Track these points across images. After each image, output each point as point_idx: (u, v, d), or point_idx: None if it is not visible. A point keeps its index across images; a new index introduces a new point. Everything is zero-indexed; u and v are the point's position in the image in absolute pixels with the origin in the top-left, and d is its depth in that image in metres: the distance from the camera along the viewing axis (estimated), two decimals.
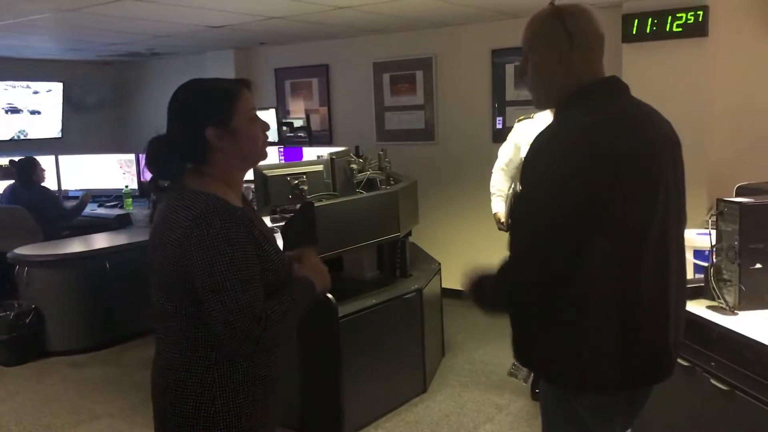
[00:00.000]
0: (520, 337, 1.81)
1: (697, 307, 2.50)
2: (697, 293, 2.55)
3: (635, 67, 4.56)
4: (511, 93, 5.53)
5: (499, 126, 5.65)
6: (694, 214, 2.01)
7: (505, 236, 1.78)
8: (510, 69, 5.56)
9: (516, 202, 1.78)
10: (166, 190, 1.75)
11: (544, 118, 3.52)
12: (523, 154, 3.61)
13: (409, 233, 4.38)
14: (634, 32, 4.68)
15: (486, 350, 4.80)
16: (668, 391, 1.91)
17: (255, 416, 1.74)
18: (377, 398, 3.81)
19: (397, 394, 3.98)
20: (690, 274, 2.61)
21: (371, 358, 3.73)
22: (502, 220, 3.98)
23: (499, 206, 4.03)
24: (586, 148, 1.61)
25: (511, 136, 3.97)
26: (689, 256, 2.73)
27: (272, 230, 3.91)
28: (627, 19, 4.70)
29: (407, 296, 3.98)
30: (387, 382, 3.88)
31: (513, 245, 1.71)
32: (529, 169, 1.76)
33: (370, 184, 4.30)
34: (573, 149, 1.62)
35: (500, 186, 4.03)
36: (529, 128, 3.66)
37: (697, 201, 2.72)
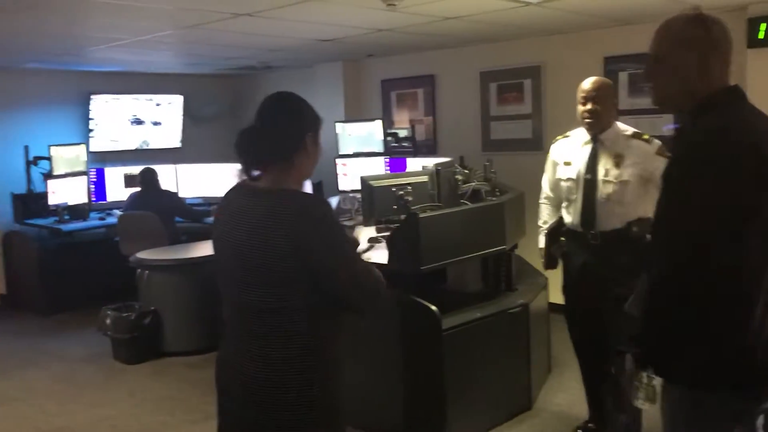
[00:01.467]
0: (668, 346, 1.74)
1: None
2: None
3: (761, 73, 4.29)
4: (624, 101, 5.32)
5: None
6: None
7: None
8: (624, 77, 5.36)
9: (661, 211, 1.77)
10: (263, 196, 1.86)
11: (579, 136, 3.46)
12: (561, 172, 3.49)
13: (515, 246, 4.30)
14: (760, 36, 4.41)
15: None
16: None
17: (342, 398, 1.96)
18: (481, 413, 3.76)
19: (502, 410, 3.90)
20: None
21: (475, 371, 3.68)
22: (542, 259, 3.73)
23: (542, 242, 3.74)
24: (737, 152, 1.64)
25: (549, 159, 3.67)
26: None
27: (376, 239, 3.96)
28: (753, 23, 4.43)
29: (512, 311, 3.91)
30: (491, 397, 3.82)
31: (664, 253, 1.73)
32: (676, 174, 1.75)
33: (475, 196, 4.25)
34: (723, 154, 1.65)
35: (545, 218, 3.71)
36: (565, 147, 3.53)
37: None
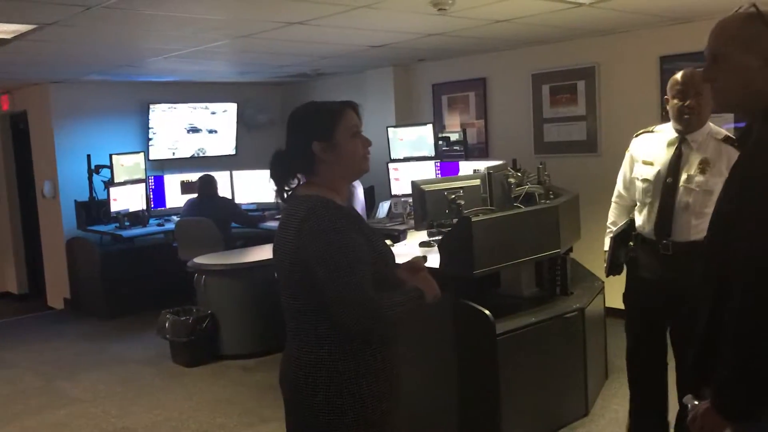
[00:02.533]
0: (752, 377, 1.57)
1: None
2: None
3: None
4: None
5: None
6: None
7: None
8: None
9: (746, 225, 1.57)
10: (287, 200, 1.99)
11: (665, 133, 3.14)
12: (639, 171, 3.17)
13: (570, 249, 4.24)
14: None
15: None
16: None
17: (380, 407, 1.90)
18: (536, 418, 3.72)
19: (557, 416, 3.85)
20: None
21: (530, 377, 3.64)
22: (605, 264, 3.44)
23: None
24: None
25: (627, 154, 3.36)
26: None
27: (428, 244, 3.96)
28: None
29: (568, 315, 3.85)
30: (547, 403, 3.77)
31: (750, 280, 1.54)
32: (760, 189, 1.58)
33: (528, 199, 4.20)
34: None
35: (613, 219, 3.44)
36: (648, 143, 3.20)
37: None
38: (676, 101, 3.01)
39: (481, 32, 5.20)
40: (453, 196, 4.06)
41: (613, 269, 3.36)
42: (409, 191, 4.63)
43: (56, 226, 7.29)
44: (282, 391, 2.00)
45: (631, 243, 3.27)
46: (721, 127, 3.15)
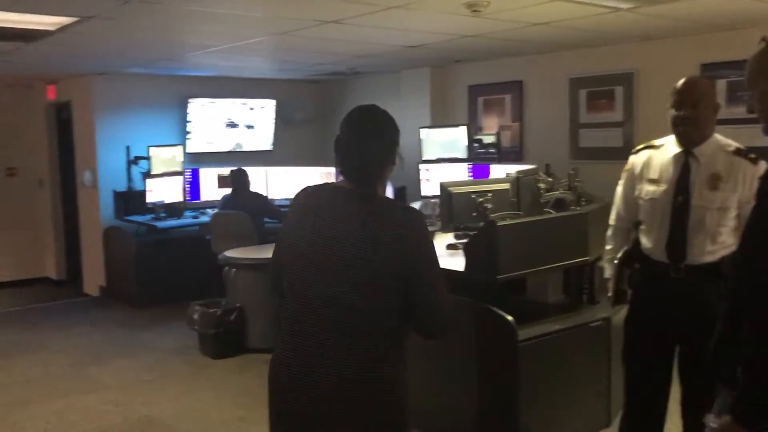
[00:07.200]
0: None
1: None
2: None
3: None
4: (722, 111, 5.06)
5: None
6: None
7: None
8: (722, 85, 5.11)
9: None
10: (360, 200, 1.95)
11: (669, 148, 2.87)
12: (644, 191, 2.91)
13: (600, 258, 4.17)
14: None
15: (675, 388, 4.43)
16: None
17: None
18: (557, 427, 3.66)
19: (579, 425, 3.79)
20: None
21: (552, 385, 3.59)
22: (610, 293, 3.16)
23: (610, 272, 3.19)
24: None
25: (625, 171, 3.07)
26: None
27: (454, 246, 3.94)
28: None
29: (594, 324, 3.79)
30: (568, 412, 3.72)
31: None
32: None
33: (559, 205, 4.16)
34: None
35: (613, 245, 3.17)
36: (652, 159, 2.93)
37: None
38: (671, 110, 2.80)
39: (517, 35, 5.15)
40: (480, 199, 4.03)
41: (619, 298, 3.09)
42: (437, 192, 4.62)
43: (94, 215, 7.46)
44: (330, 402, 1.89)
45: (637, 265, 2.99)
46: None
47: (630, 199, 3.02)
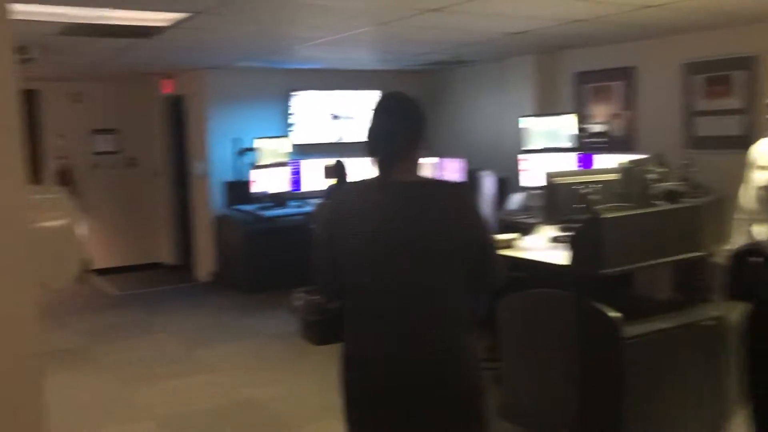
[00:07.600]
0: None
1: None
2: None
3: None
4: None
5: None
6: None
7: None
8: None
9: None
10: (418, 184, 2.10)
11: None
12: (758, 178, 2.80)
13: (714, 253, 3.93)
14: None
15: None
16: None
17: None
18: (662, 430, 3.50)
19: (686, 431, 3.60)
20: None
21: (658, 386, 3.42)
22: None
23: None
24: None
25: (747, 160, 2.96)
26: None
27: (558, 239, 3.81)
28: None
29: (705, 323, 3.57)
30: (675, 416, 3.53)
31: None
32: None
33: (671, 196, 3.94)
34: None
35: (735, 236, 3.13)
36: (766, 145, 2.81)
37: None
38: None
39: (628, 18, 4.92)
40: (586, 190, 3.87)
41: (736, 290, 2.98)
42: (541, 183, 4.49)
43: (206, 204, 7.79)
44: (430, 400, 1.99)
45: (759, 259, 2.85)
46: None
47: (747, 187, 2.99)
